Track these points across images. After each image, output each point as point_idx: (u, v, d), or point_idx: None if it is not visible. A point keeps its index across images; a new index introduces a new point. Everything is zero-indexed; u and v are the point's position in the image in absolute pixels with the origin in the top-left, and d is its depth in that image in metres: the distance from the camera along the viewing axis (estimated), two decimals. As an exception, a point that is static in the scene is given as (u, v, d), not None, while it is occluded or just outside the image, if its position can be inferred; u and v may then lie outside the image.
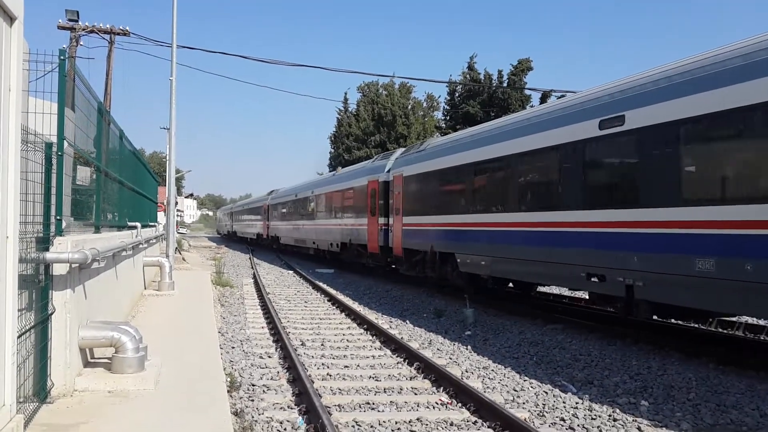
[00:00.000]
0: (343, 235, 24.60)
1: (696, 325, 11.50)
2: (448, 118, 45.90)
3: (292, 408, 6.71)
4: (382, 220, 20.12)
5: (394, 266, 20.33)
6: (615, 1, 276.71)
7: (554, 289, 16.98)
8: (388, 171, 20.06)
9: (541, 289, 16.62)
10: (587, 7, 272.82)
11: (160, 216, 26.17)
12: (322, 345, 10.22)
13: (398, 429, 6.17)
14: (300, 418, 6.35)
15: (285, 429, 6.08)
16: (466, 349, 10.14)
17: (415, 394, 7.39)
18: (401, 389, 7.56)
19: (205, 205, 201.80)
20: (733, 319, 11.43)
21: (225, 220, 78.08)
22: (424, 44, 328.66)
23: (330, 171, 47.93)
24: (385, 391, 7.45)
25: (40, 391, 5.25)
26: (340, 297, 16.09)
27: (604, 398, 7.29)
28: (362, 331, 11.68)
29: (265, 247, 44.92)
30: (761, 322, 11.44)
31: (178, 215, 43.64)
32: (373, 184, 21.17)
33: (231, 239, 66.19)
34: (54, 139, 5.55)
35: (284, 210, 37.56)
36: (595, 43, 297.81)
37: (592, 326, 11.46)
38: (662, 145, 8.64)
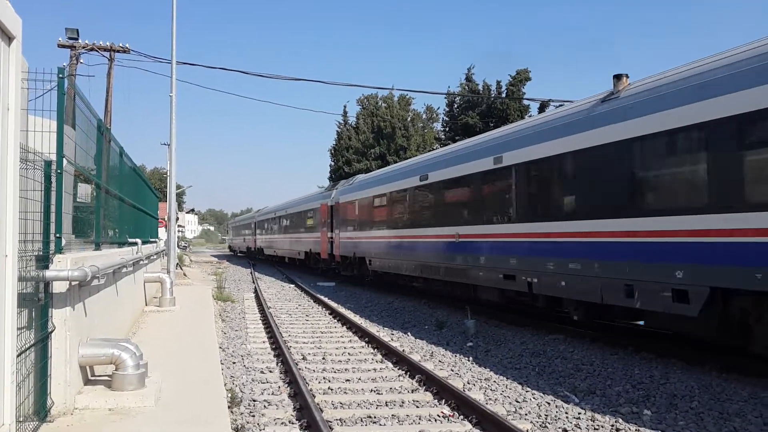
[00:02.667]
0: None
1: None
2: (447, 129, 46.15)
3: (293, 423, 6.68)
4: None
5: None
6: (613, 8, 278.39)
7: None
8: None
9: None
10: (584, 14, 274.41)
11: (161, 232, 26.21)
12: (323, 359, 10.19)
13: (400, 442, 6.14)
14: (301, 432, 6.32)
15: (286, 444, 6.06)
16: (468, 360, 10.11)
17: (417, 406, 7.36)
18: (403, 402, 7.53)
19: (206, 220, 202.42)
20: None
21: (242, 233, 60.32)
22: (422, 56, 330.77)
23: (330, 183, 47.04)
24: (386, 405, 7.42)
25: (40, 409, 5.24)
26: (342, 310, 16.07)
27: (606, 408, 7.26)
28: (363, 344, 11.65)
29: (324, 273, 29.16)
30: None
31: (179, 231, 43.47)
32: None
33: (248, 257, 54.20)
34: (53, 158, 5.58)
35: (381, 211, 20.75)
36: (595, 50, 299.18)
37: (593, 336, 11.42)
38: None
